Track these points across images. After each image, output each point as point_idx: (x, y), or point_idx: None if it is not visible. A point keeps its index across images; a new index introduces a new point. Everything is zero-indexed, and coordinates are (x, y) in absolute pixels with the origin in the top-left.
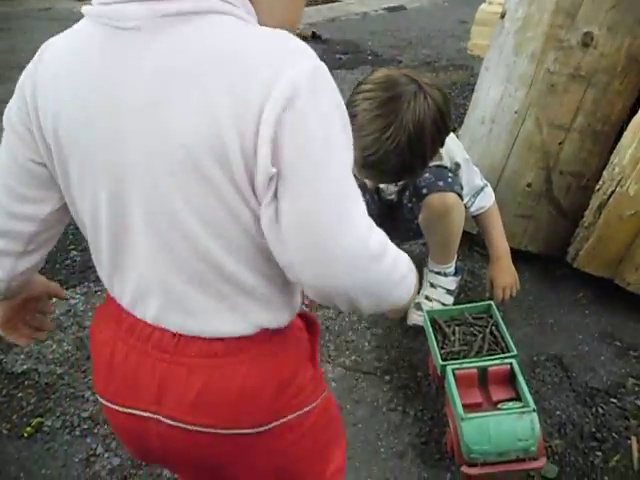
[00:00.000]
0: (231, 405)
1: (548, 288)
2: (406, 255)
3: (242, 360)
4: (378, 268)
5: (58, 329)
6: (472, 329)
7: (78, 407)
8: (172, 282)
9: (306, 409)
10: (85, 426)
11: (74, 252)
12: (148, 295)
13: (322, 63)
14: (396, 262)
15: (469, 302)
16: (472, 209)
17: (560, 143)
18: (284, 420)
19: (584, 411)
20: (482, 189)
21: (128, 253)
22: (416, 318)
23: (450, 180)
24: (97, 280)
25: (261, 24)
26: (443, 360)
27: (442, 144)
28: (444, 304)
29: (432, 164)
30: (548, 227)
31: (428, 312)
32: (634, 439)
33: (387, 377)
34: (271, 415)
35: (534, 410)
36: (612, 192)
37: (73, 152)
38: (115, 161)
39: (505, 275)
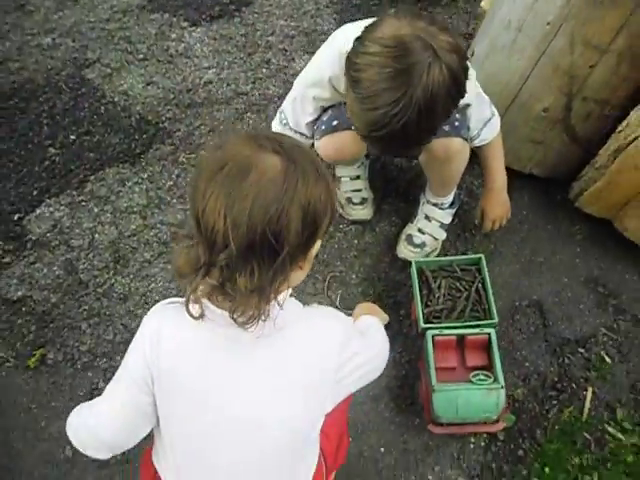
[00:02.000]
0: None
1: (545, 217)
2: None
3: None
4: None
5: (46, 249)
6: (459, 284)
7: (77, 339)
8: None
9: None
10: (85, 359)
11: (52, 149)
12: None
13: None
14: None
15: (463, 228)
16: (476, 141)
17: (592, 66)
18: None
19: (551, 361)
20: (489, 120)
21: None
22: (406, 252)
23: (457, 123)
24: (80, 187)
25: None
26: (425, 320)
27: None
28: (436, 238)
29: None
30: (558, 154)
31: (416, 262)
32: (589, 390)
33: None
34: None
35: (502, 387)
36: (634, 138)
37: None
38: None
39: (497, 207)
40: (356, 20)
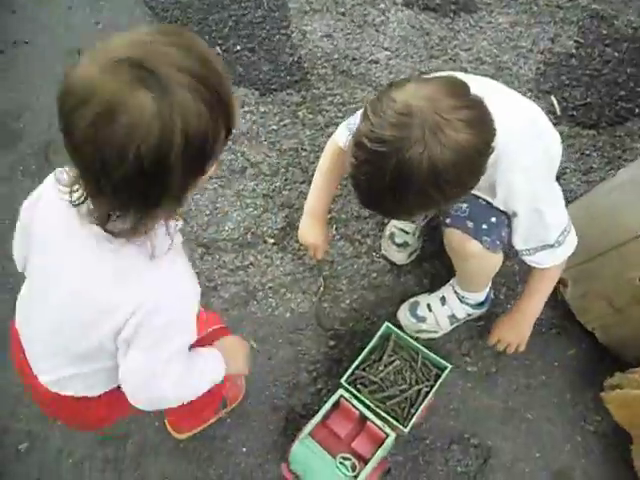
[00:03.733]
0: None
1: (560, 391)
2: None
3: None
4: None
5: None
6: (408, 374)
7: None
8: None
9: None
10: None
11: (217, 49)
12: None
13: None
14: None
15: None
16: (526, 258)
17: None
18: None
19: None
20: (550, 247)
21: None
22: (401, 316)
23: (484, 226)
24: None
25: None
26: (348, 379)
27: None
28: (438, 325)
29: (480, 194)
30: (633, 334)
31: (388, 327)
32: None
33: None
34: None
35: None
36: None
37: None
38: None
39: (510, 332)
40: None
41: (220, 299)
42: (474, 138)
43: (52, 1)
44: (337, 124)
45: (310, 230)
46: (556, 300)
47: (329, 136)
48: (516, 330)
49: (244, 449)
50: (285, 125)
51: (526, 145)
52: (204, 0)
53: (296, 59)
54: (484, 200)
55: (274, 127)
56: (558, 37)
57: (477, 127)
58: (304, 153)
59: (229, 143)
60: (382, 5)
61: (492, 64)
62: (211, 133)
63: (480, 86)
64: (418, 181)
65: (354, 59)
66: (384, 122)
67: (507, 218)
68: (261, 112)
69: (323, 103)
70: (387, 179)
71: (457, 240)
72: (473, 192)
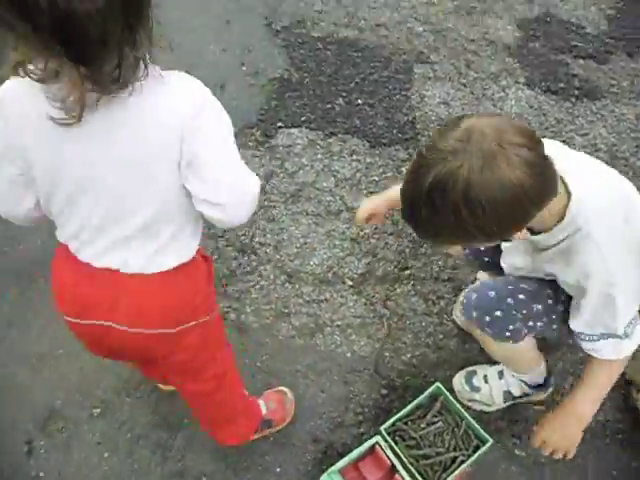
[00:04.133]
0: (159, 315)
1: None
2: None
3: (165, 285)
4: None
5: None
6: (448, 439)
7: None
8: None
9: (205, 319)
10: None
11: (340, 96)
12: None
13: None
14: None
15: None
16: (586, 345)
17: None
18: (193, 323)
19: None
20: (614, 336)
21: None
22: (455, 381)
23: (487, 318)
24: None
25: None
26: (391, 426)
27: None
28: (491, 397)
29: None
30: None
31: (439, 388)
32: None
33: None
34: (191, 317)
35: None
36: None
37: None
38: None
39: (558, 434)
40: None
41: (290, 325)
42: (525, 178)
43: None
44: None
45: (371, 199)
46: (627, 405)
47: None
48: (564, 432)
49: (278, 469)
50: (387, 178)
51: (614, 228)
52: (339, 56)
53: (410, 119)
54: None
55: (376, 178)
56: None
57: (534, 170)
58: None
59: (331, 186)
60: (504, 82)
61: (607, 152)
62: None
63: (565, 153)
64: (451, 197)
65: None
66: (446, 136)
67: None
68: (367, 162)
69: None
70: (425, 188)
71: (466, 325)
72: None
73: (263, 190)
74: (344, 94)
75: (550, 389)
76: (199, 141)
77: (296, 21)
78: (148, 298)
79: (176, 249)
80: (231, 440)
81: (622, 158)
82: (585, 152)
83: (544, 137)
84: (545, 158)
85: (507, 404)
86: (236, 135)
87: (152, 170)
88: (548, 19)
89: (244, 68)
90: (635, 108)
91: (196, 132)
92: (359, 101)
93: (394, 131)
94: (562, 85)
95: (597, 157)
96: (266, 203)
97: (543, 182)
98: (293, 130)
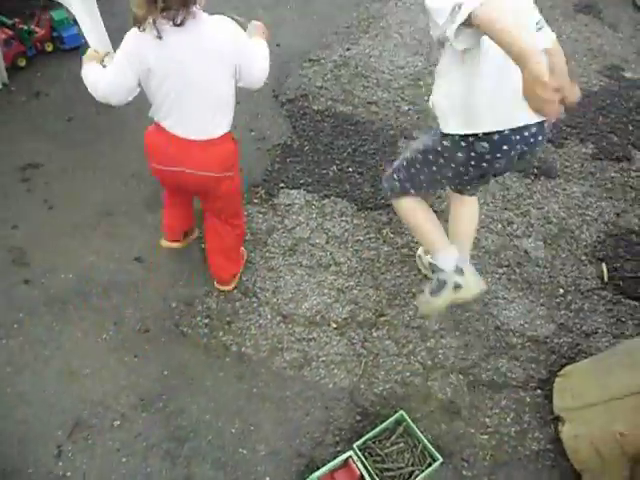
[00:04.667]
0: (219, 164)
1: None
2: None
3: (221, 145)
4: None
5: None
6: (407, 457)
7: None
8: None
9: (232, 174)
10: None
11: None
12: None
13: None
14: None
15: None
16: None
17: None
18: (230, 173)
19: None
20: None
21: None
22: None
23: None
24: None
25: None
26: (359, 447)
27: None
28: None
29: None
30: None
31: (401, 415)
32: None
33: None
34: (227, 169)
35: None
36: None
37: None
38: None
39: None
40: None
41: (283, 359)
42: None
43: None
44: (412, 248)
45: None
46: (557, 436)
47: (403, 255)
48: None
49: (267, 478)
50: (370, 238)
51: None
52: (335, 128)
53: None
54: None
55: (360, 238)
56: (625, 213)
57: None
58: (378, 264)
59: (323, 242)
60: None
61: (557, 224)
62: None
63: None
64: None
65: (439, 197)
66: None
67: None
68: (354, 224)
69: (404, 227)
70: None
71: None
72: None
73: (265, 243)
74: (338, 162)
75: (465, 276)
76: (242, 56)
77: (300, 95)
78: (206, 153)
79: (222, 126)
80: (226, 274)
81: (569, 230)
82: (538, 223)
83: (505, 209)
84: None
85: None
86: (245, 192)
87: (216, 75)
88: None
89: (252, 133)
90: (582, 187)
91: (240, 53)
92: (350, 169)
93: (378, 197)
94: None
95: (548, 229)
96: (267, 254)
97: None
98: (293, 191)
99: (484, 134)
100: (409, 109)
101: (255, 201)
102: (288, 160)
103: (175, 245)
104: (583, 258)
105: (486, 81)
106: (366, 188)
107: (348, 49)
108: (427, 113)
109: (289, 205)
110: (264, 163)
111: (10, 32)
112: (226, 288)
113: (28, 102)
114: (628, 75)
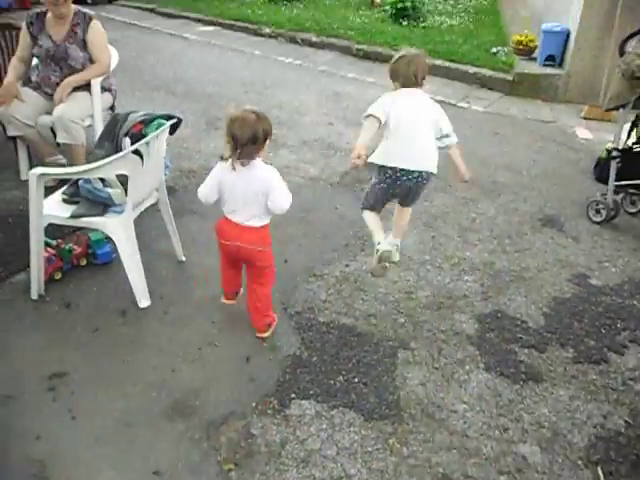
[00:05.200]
0: (258, 241)
1: None
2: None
3: (260, 231)
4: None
5: None
6: None
7: None
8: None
9: (267, 249)
10: None
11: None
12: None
13: None
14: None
15: None
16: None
17: None
18: (265, 248)
19: None
20: None
21: None
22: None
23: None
24: None
25: None
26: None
27: None
28: None
29: None
30: None
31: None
32: None
33: None
34: (266, 245)
35: None
36: None
37: None
38: None
39: None
40: None
41: None
42: None
43: None
44: (417, 457)
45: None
46: None
47: (410, 466)
48: None
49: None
50: (378, 449)
51: None
52: (340, 339)
53: (395, 398)
54: None
55: (369, 449)
56: (610, 415)
57: None
58: (387, 476)
59: (333, 454)
60: (467, 367)
61: (549, 429)
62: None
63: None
64: None
65: (438, 406)
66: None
67: None
68: (362, 434)
69: (409, 438)
70: None
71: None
72: None
73: (279, 455)
74: (344, 372)
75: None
76: (273, 191)
77: (307, 307)
78: (254, 235)
79: (262, 220)
80: (263, 327)
81: (562, 435)
82: (532, 428)
83: (500, 415)
84: None
85: None
86: (257, 404)
87: (258, 195)
88: (499, 315)
89: (265, 344)
90: (568, 390)
91: (272, 188)
92: (355, 379)
93: (383, 408)
94: (512, 370)
95: (542, 433)
96: (281, 467)
97: None
98: (304, 401)
99: (390, 167)
100: (404, 321)
101: (269, 412)
102: (298, 371)
103: (230, 302)
104: (579, 462)
105: (394, 141)
106: (371, 398)
107: (347, 265)
108: (421, 325)
109: (300, 416)
110: (276, 373)
111: (52, 251)
112: (263, 335)
113: (59, 312)
114: (594, 282)
